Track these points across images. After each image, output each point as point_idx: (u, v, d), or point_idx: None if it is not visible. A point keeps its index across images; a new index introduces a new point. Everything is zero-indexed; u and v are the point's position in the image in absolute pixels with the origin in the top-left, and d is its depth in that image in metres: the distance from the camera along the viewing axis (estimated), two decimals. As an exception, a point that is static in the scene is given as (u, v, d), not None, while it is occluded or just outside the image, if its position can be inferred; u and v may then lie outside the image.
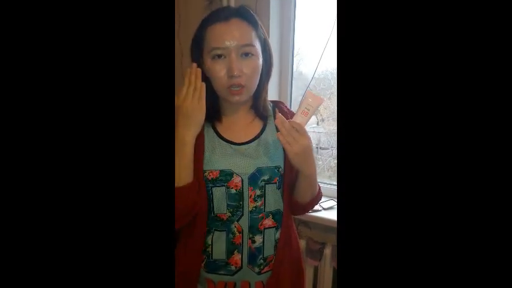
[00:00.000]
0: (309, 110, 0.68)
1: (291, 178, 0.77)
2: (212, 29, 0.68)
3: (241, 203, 0.73)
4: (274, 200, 0.75)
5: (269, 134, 0.76)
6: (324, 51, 1.34)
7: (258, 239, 0.75)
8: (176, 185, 0.67)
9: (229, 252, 0.75)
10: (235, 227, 0.74)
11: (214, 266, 0.76)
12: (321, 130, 1.71)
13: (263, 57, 0.72)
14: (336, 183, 1.41)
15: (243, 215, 0.74)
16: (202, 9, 1.36)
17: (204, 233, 0.75)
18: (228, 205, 0.73)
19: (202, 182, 0.71)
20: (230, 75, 0.66)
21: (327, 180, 1.50)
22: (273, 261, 0.77)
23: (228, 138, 0.74)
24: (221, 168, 0.72)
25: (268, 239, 0.76)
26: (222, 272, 0.76)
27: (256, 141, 0.75)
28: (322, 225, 1.26)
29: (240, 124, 0.76)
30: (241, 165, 0.72)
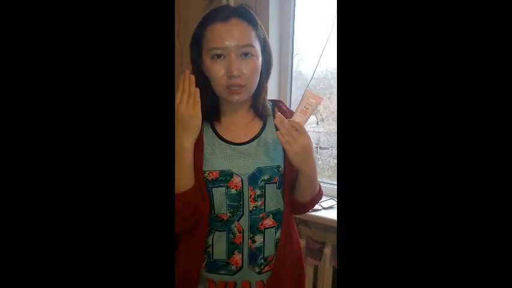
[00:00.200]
0: (308, 109, 0.68)
1: (291, 177, 0.77)
2: (211, 28, 0.68)
3: (241, 203, 0.73)
4: (274, 199, 0.75)
5: (269, 134, 0.76)
6: (323, 51, 1.34)
7: (259, 238, 0.75)
8: (177, 190, 0.67)
9: (230, 252, 0.75)
10: (235, 227, 0.74)
11: (214, 266, 0.76)
12: (321, 130, 1.72)
13: (263, 57, 0.72)
14: (335, 182, 1.41)
15: (243, 215, 0.74)
16: (202, 9, 1.35)
17: (205, 233, 0.75)
18: (228, 205, 0.73)
19: (203, 182, 0.71)
20: (229, 75, 0.66)
21: (327, 179, 1.50)
22: (273, 261, 0.77)
23: (228, 139, 0.74)
24: (221, 168, 0.72)
25: (268, 239, 0.76)
26: (222, 272, 0.76)
27: (255, 141, 0.75)
28: (322, 224, 1.26)
29: (239, 124, 0.76)
30: (241, 165, 0.72)
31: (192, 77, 0.68)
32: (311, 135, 0.72)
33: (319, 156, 1.71)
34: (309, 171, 0.71)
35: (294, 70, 1.52)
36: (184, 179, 0.68)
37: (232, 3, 1.28)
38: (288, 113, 0.79)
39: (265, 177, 0.73)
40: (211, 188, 0.73)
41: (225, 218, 0.74)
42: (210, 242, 0.76)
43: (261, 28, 0.72)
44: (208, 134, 0.74)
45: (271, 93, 1.39)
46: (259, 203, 0.74)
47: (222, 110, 0.76)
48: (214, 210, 0.74)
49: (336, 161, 1.57)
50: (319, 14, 1.39)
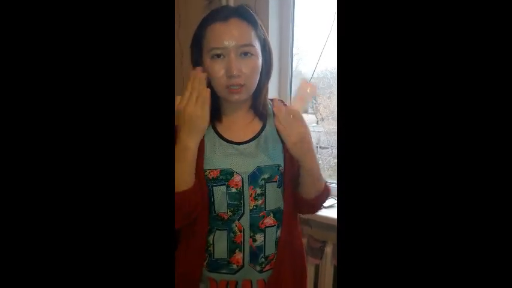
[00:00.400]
0: (304, 97, 0.69)
1: (293, 174, 0.76)
2: (211, 28, 0.68)
3: (241, 201, 0.73)
4: (274, 198, 0.75)
5: (269, 133, 0.76)
6: (323, 51, 1.34)
7: (259, 237, 0.75)
8: (178, 189, 0.67)
9: (231, 251, 0.75)
10: (236, 226, 0.74)
11: (216, 265, 0.76)
12: (321, 129, 1.72)
13: (263, 56, 0.72)
14: (336, 182, 1.41)
15: (243, 213, 0.74)
16: (202, 9, 1.36)
17: (205, 233, 0.75)
18: (228, 204, 0.73)
19: (204, 181, 0.72)
20: (229, 75, 0.67)
21: (327, 179, 1.51)
22: (274, 260, 0.77)
23: (228, 138, 0.75)
24: (221, 167, 0.72)
25: (269, 238, 0.76)
26: (223, 271, 0.76)
27: (255, 140, 0.75)
28: (323, 223, 1.26)
29: (240, 123, 0.76)
30: (241, 164, 0.73)
31: (204, 75, 0.68)
32: (311, 135, 0.72)
33: (319, 155, 1.72)
34: (310, 164, 0.71)
35: (293, 69, 1.52)
36: (185, 178, 0.68)
37: (232, 3, 1.28)
38: None
39: (266, 176, 0.73)
40: (212, 186, 0.73)
41: (226, 217, 0.74)
42: (211, 241, 0.76)
43: (261, 28, 0.72)
44: (209, 133, 0.75)
45: (271, 93, 1.39)
46: (260, 201, 0.74)
47: (223, 109, 0.76)
48: (214, 209, 0.74)
49: (336, 161, 1.57)
50: (319, 14, 1.39)
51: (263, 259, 0.76)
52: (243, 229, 0.74)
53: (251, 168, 0.73)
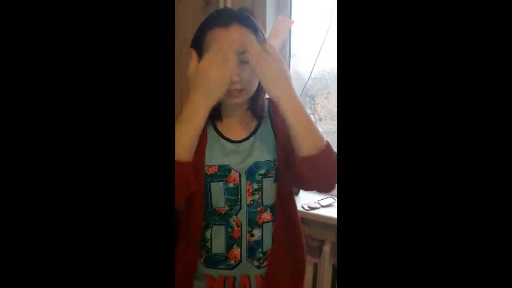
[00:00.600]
0: (278, 32, 0.65)
1: (284, 164, 0.74)
2: (212, 33, 0.68)
3: (239, 197, 0.74)
4: (271, 193, 0.76)
5: (264, 130, 0.78)
6: (320, 51, 1.36)
7: (257, 232, 0.76)
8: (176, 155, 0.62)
9: (229, 246, 0.76)
10: (233, 220, 0.75)
11: (213, 261, 0.77)
12: (319, 129, 1.72)
13: None
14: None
15: (241, 208, 0.75)
16: (199, 10, 1.37)
17: (200, 228, 0.76)
18: (226, 199, 0.74)
19: (202, 177, 0.73)
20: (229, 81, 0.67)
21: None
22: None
23: (227, 136, 0.76)
24: (220, 163, 0.73)
25: (266, 233, 0.77)
26: (221, 267, 0.76)
27: (251, 138, 0.76)
28: (320, 222, 1.26)
29: (237, 123, 0.78)
30: (239, 160, 0.74)
31: (236, 41, 0.64)
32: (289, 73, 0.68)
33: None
34: (291, 102, 0.64)
35: (291, 70, 1.53)
36: (185, 148, 0.63)
37: (229, 4, 1.29)
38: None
39: (262, 171, 0.74)
40: (210, 182, 0.74)
41: (223, 212, 0.75)
42: (209, 237, 0.76)
43: (261, 34, 0.72)
44: (211, 133, 0.76)
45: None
46: (257, 196, 0.75)
47: (223, 111, 0.78)
48: (211, 205, 0.75)
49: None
50: (316, 15, 1.41)
51: (261, 254, 0.77)
52: (241, 224, 0.75)
53: (248, 164, 0.74)
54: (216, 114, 0.76)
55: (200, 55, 0.69)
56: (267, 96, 0.82)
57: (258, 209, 0.76)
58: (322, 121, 1.69)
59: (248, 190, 0.74)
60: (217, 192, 0.74)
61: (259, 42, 0.68)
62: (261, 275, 0.78)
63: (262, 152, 0.75)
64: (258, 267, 0.77)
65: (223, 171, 0.73)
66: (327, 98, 1.64)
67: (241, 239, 0.75)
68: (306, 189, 0.75)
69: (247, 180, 0.74)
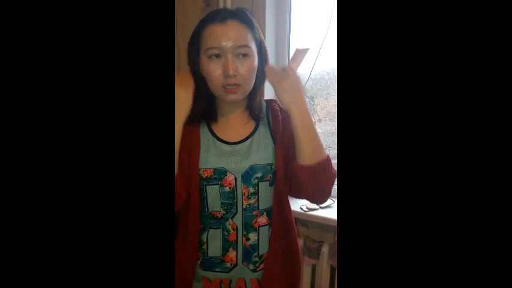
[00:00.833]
0: (297, 58, 0.70)
1: (283, 170, 0.75)
2: (209, 29, 0.69)
3: (235, 200, 0.74)
4: (267, 197, 0.76)
5: (261, 133, 0.77)
6: (319, 52, 1.35)
7: (253, 236, 0.76)
8: None
9: (225, 250, 0.76)
10: (229, 224, 0.75)
11: (209, 264, 0.77)
12: (319, 130, 1.72)
13: (259, 58, 0.73)
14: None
15: (237, 212, 0.75)
16: (200, 12, 1.37)
17: (197, 231, 0.76)
18: (222, 203, 0.74)
19: (197, 180, 0.73)
20: (226, 75, 0.67)
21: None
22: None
23: (223, 138, 0.76)
24: (215, 166, 0.73)
25: (262, 237, 0.77)
26: (217, 270, 0.77)
27: (249, 140, 0.76)
28: (319, 223, 1.27)
29: (234, 124, 0.77)
30: (235, 163, 0.73)
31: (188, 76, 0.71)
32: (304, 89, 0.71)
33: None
34: (298, 108, 0.67)
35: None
36: None
37: (229, 5, 1.29)
38: (280, 112, 0.79)
39: (258, 175, 0.74)
40: (205, 185, 0.74)
41: (219, 216, 0.75)
42: (205, 240, 0.77)
43: (258, 30, 0.73)
44: (205, 133, 0.76)
45: (268, 93, 1.40)
46: (253, 200, 0.75)
47: (219, 110, 0.77)
48: (207, 208, 0.75)
49: (334, 161, 1.58)
50: (316, 15, 1.41)
51: (257, 258, 0.77)
52: (237, 227, 0.75)
53: (244, 168, 0.73)
54: (211, 115, 0.76)
55: (197, 52, 0.71)
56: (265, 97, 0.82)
57: (254, 213, 0.76)
58: (322, 122, 1.69)
59: (244, 194, 0.74)
60: (213, 196, 0.74)
61: (255, 39, 0.71)
62: (257, 279, 0.78)
63: (259, 155, 0.75)
64: (254, 270, 0.77)
65: (219, 174, 0.73)
66: (326, 98, 1.64)
67: (237, 243, 0.76)
68: (299, 197, 0.77)
69: (243, 183, 0.74)
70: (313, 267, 1.31)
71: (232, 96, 0.70)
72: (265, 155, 0.75)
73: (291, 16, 1.41)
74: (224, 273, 0.76)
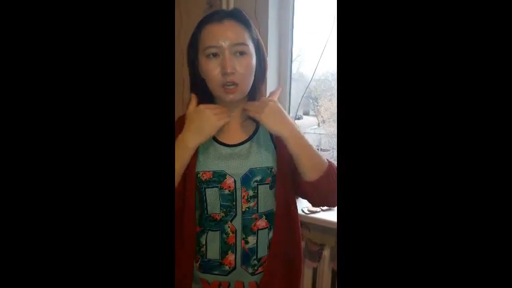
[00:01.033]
0: (274, 94, 0.75)
1: (287, 173, 0.75)
2: (206, 29, 0.70)
3: (234, 203, 0.74)
4: (267, 200, 0.76)
5: (261, 135, 0.77)
6: (322, 53, 1.35)
7: (252, 239, 0.76)
8: None
9: (223, 253, 0.76)
10: (228, 227, 0.75)
11: (208, 266, 0.77)
12: (322, 132, 1.72)
13: (257, 57, 0.73)
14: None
15: (236, 215, 0.75)
16: (203, 13, 1.37)
17: (195, 234, 0.76)
18: (221, 205, 0.74)
19: (194, 183, 0.73)
20: (224, 73, 0.68)
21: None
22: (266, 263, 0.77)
23: (222, 140, 0.76)
24: (214, 169, 0.73)
25: (261, 240, 0.76)
26: (216, 272, 0.77)
27: (248, 142, 0.76)
28: (321, 226, 1.26)
29: (234, 125, 0.77)
30: (234, 166, 0.73)
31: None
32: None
33: (320, 158, 1.71)
34: (290, 132, 0.69)
35: (295, 72, 1.53)
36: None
37: (232, 6, 1.29)
38: None
39: (258, 178, 0.74)
40: (205, 188, 0.74)
41: (218, 218, 0.75)
42: (204, 242, 0.77)
43: (255, 30, 0.74)
44: None
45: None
46: (252, 203, 0.75)
47: None
48: (207, 211, 0.75)
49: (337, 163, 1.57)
50: (319, 16, 1.40)
51: (255, 261, 0.77)
52: (236, 230, 0.75)
53: (243, 171, 0.73)
54: None
55: (196, 53, 0.71)
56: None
57: (253, 216, 0.75)
58: (326, 123, 1.68)
59: (243, 197, 0.74)
60: (213, 199, 0.74)
61: (252, 38, 0.72)
62: (256, 282, 0.78)
63: (258, 158, 0.74)
64: (253, 274, 0.77)
65: (218, 177, 0.73)
66: (330, 100, 1.63)
67: (235, 246, 0.76)
68: (315, 206, 0.83)
69: (242, 186, 0.74)
70: (314, 270, 1.30)
71: (231, 96, 0.70)
72: (265, 158, 0.75)
73: (294, 17, 1.40)
74: (222, 276, 0.76)
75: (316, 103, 1.71)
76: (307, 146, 0.71)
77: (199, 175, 0.73)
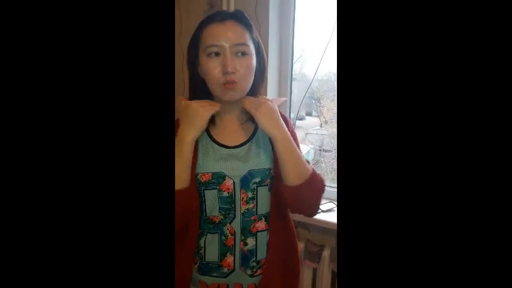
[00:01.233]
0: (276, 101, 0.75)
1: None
2: (208, 29, 0.70)
3: (233, 205, 0.74)
4: (266, 202, 0.76)
5: (260, 137, 0.77)
6: (324, 53, 1.34)
7: (251, 241, 0.76)
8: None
9: (222, 255, 0.76)
10: (227, 229, 0.75)
11: (207, 268, 0.77)
12: (324, 132, 1.71)
13: (257, 58, 0.73)
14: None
15: (235, 217, 0.75)
16: (203, 15, 1.37)
17: (196, 235, 0.76)
18: (220, 208, 0.74)
19: (195, 184, 0.73)
20: (224, 72, 0.68)
21: (330, 182, 1.50)
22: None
23: (221, 142, 0.76)
24: (213, 171, 0.73)
25: (260, 242, 0.76)
26: (214, 274, 0.77)
27: (247, 144, 0.76)
28: (321, 227, 1.26)
29: (233, 127, 0.77)
30: (233, 168, 0.73)
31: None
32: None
33: (322, 158, 1.71)
34: (281, 135, 0.70)
35: (298, 72, 1.52)
36: (181, 175, 0.69)
37: (232, 7, 1.29)
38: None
39: (257, 179, 0.74)
40: (204, 190, 0.74)
41: (217, 221, 0.75)
42: (203, 244, 0.77)
43: (255, 31, 0.74)
44: (203, 136, 0.76)
45: (271, 95, 1.40)
46: (251, 205, 0.75)
47: (217, 113, 0.77)
48: (206, 213, 0.75)
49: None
50: (321, 16, 1.39)
51: (254, 263, 0.77)
52: (235, 232, 0.75)
53: (243, 172, 0.73)
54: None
55: (197, 53, 0.72)
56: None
57: (252, 217, 0.75)
58: (328, 124, 1.68)
59: (242, 199, 0.74)
60: (212, 201, 0.74)
61: (253, 40, 0.73)
62: (254, 284, 0.78)
63: (258, 160, 0.75)
64: (252, 276, 0.77)
65: (217, 179, 0.73)
66: (332, 100, 1.63)
67: (234, 248, 0.76)
68: (292, 212, 0.81)
69: (241, 188, 0.74)
70: (314, 271, 1.30)
71: (230, 93, 0.70)
72: (264, 159, 0.75)
73: (295, 17, 1.40)
74: (221, 278, 0.76)
75: (318, 104, 1.71)
76: (294, 151, 0.71)
77: (198, 177, 0.73)
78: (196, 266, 0.78)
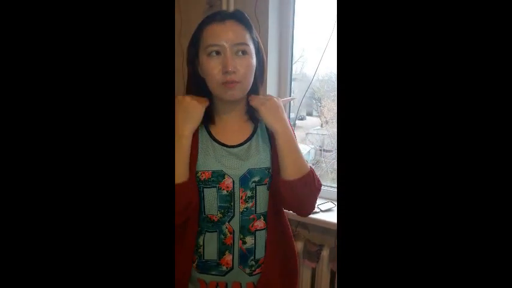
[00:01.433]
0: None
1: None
2: (208, 29, 0.71)
3: (232, 204, 0.74)
4: (265, 201, 0.76)
5: (260, 136, 0.78)
6: (324, 53, 1.34)
7: (249, 240, 0.76)
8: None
9: (221, 253, 0.76)
10: (226, 227, 0.75)
11: (205, 267, 0.77)
12: (325, 132, 1.71)
13: (257, 58, 0.74)
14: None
15: (234, 216, 0.75)
16: (203, 14, 1.38)
17: (195, 233, 0.77)
18: (219, 206, 0.75)
19: (195, 180, 0.73)
20: (225, 71, 0.68)
21: (331, 182, 1.50)
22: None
23: (221, 141, 0.76)
24: (213, 169, 0.74)
25: (259, 241, 0.77)
26: (213, 273, 0.77)
27: (247, 143, 0.76)
28: (320, 227, 1.26)
29: (232, 126, 0.78)
30: (233, 166, 0.74)
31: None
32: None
33: (323, 159, 1.71)
34: (282, 128, 0.71)
35: (298, 72, 1.53)
36: (180, 169, 0.70)
37: (232, 6, 1.30)
38: None
39: (256, 178, 0.74)
40: (203, 188, 0.74)
41: (216, 219, 0.75)
42: (201, 243, 0.77)
43: (255, 31, 0.74)
44: (203, 135, 0.76)
45: (271, 95, 1.40)
46: (250, 204, 0.75)
47: (217, 111, 0.78)
48: (204, 211, 0.76)
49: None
50: (322, 16, 1.39)
51: (253, 262, 0.77)
52: (233, 231, 0.75)
53: (242, 171, 0.74)
54: (209, 116, 0.77)
55: (197, 52, 0.73)
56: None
57: (251, 216, 0.76)
58: (329, 124, 1.68)
59: (241, 197, 0.74)
60: (211, 199, 0.75)
61: (253, 39, 0.73)
62: (253, 283, 0.78)
63: (257, 159, 0.75)
64: (250, 274, 0.77)
65: (217, 177, 0.74)
66: (333, 100, 1.63)
67: (233, 246, 0.76)
68: (286, 209, 0.81)
69: (240, 187, 0.74)
70: (313, 271, 1.30)
71: (230, 92, 0.70)
72: (263, 158, 0.75)
73: (295, 17, 1.40)
74: (220, 277, 0.77)
75: (319, 104, 1.70)
76: (295, 146, 0.73)
77: (198, 174, 0.73)
78: (194, 264, 0.78)
